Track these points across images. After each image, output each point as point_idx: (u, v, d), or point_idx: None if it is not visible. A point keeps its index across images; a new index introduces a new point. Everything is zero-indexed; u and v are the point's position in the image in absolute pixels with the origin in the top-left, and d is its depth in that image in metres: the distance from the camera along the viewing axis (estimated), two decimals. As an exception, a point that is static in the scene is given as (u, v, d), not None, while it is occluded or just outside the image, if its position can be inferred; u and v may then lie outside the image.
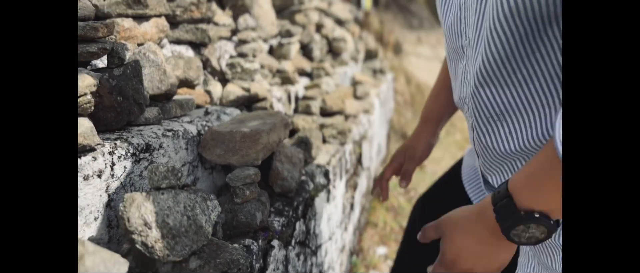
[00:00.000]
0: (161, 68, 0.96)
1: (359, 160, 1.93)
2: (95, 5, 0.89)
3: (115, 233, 0.74)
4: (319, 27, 2.45)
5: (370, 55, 3.29)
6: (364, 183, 2.10)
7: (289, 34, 1.89)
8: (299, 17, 2.10)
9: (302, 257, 1.11)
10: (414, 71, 6.64)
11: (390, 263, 2.15)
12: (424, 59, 10.20)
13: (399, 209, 2.61)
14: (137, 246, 0.61)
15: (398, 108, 4.17)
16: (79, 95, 0.67)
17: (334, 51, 2.40)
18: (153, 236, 0.61)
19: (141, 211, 0.61)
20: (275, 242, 0.93)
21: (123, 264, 0.54)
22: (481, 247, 0.58)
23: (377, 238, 2.28)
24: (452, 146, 3.96)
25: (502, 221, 0.54)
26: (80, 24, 0.76)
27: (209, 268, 0.67)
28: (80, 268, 0.49)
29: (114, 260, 0.53)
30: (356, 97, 2.11)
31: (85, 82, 0.67)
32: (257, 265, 0.85)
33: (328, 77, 1.77)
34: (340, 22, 2.96)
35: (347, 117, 1.76)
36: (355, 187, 1.88)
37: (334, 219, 1.45)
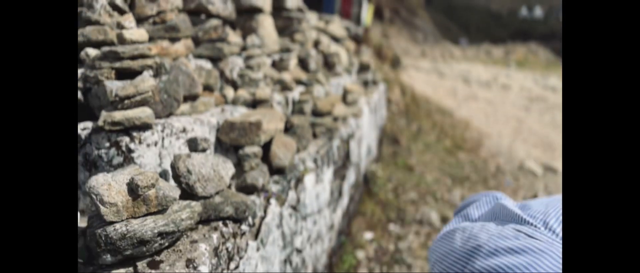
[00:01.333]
0: (191, 77, 1.33)
1: (347, 155, 2.28)
2: (147, 31, 1.27)
3: (163, 185, 1.09)
4: (316, 44, 2.83)
5: (364, 68, 3.66)
6: (352, 176, 2.45)
7: (288, 51, 2.26)
8: (297, 36, 2.48)
9: (293, 218, 1.46)
10: (412, 83, 6.99)
11: (376, 246, 2.48)
12: (423, 72, 10.60)
13: (386, 203, 2.95)
14: (182, 186, 0.97)
15: (392, 117, 4.52)
16: (143, 91, 1.03)
17: (328, 64, 2.77)
18: (193, 179, 0.97)
19: (185, 163, 0.97)
20: (272, 201, 1.29)
21: (177, 190, 0.90)
22: None
23: (365, 225, 2.62)
24: (441, 152, 4.29)
25: None
26: (140, 46, 1.13)
27: (227, 204, 1.03)
28: (156, 186, 0.85)
29: (171, 187, 0.89)
30: (346, 103, 2.47)
31: (149, 83, 1.04)
32: (259, 214, 1.20)
33: (319, 86, 2.14)
34: (336, 39, 3.34)
35: (336, 118, 2.12)
36: (343, 178, 2.23)
37: (322, 198, 1.80)
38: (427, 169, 3.74)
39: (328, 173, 1.89)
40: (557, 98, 9.03)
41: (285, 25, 2.54)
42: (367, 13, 6.32)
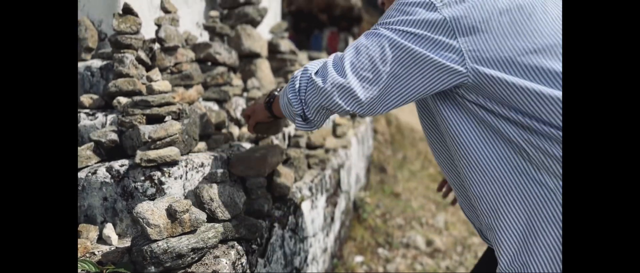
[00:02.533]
0: (205, 118, 1.55)
1: (338, 184, 2.50)
2: (167, 80, 1.50)
3: (186, 211, 1.30)
4: (307, 82, 3.09)
5: (351, 102, 3.92)
6: (343, 203, 2.67)
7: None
8: (291, 76, 2.73)
9: (293, 240, 1.66)
10: (397, 114, 7.30)
11: (366, 268, 2.67)
12: (408, 102, 11.01)
13: (375, 228, 3.16)
14: (206, 211, 1.19)
15: (378, 146, 4.77)
16: (172, 134, 1.26)
17: (319, 100, 3.03)
18: (214, 205, 1.18)
19: (208, 193, 1.19)
20: (276, 225, 1.50)
21: (204, 214, 1.11)
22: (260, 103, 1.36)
23: (356, 249, 2.82)
24: (425, 178, 4.54)
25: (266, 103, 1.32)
26: (165, 95, 1.36)
27: (241, 226, 1.24)
28: (189, 211, 1.06)
29: (200, 212, 1.11)
30: (336, 135, 2.71)
31: (176, 127, 1.26)
32: (265, 235, 1.41)
33: (312, 121, 2.38)
34: (325, 76, 3.61)
35: (327, 150, 2.35)
36: (335, 204, 2.45)
37: (317, 222, 2.01)
38: (412, 196, 3.97)
39: (321, 200, 2.10)
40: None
41: (280, 66, 2.79)
42: (353, 48, 6.62)
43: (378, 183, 4.03)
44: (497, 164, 0.92)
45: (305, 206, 1.80)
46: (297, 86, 1.02)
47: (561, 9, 0.90)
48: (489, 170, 0.93)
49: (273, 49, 2.74)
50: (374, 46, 0.90)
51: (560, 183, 0.87)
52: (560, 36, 0.85)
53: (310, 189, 1.89)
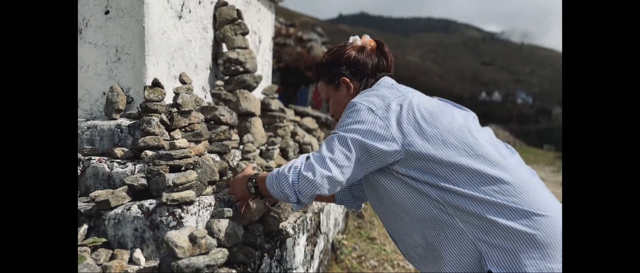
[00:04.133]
0: (212, 168, 1.96)
1: (318, 226, 2.88)
2: (185, 139, 1.92)
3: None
4: (293, 135, 3.53)
5: (332, 153, 4.35)
6: (322, 243, 3.03)
7: (273, 143, 2.94)
8: (279, 131, 3.17)
9: (278, 269, 2.03)
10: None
11: (341, 303, 3.00)
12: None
13: (351, 268, 3.50)
14: (215, 239, 1.57)
15: (358, 194, 5.17)
16: (191, 181, 1.66)
17: (303, 152, 3.46)
18: (221, 235, 1.57)
19: (217, 225, 1.58)
20: (265, 254, 1.88)
21: (215, 240, 1.50)
22: (238, 183, 1.70)
23: (333, 286, 3.15)
24: (400, 225, 4.92)
25: (249, 181, 1.64)
26: (184, 150, 1.77)
27: (240, 252, 1.62)
28: (205, 237, 1.45)
29: (212, 238, 1.49)
30: (317, 184, 3.12)
31: (193, 175, 1.66)
32: (257, 263, 1.79)
33: (297, 171, 2.79)
34: (309, 130, 4.07)
35: (309, 196, 2.75)
36: (315, 244, 2.81)
37: (298, 257, 2.38)
38: (387, 241, 4.33)
39: (303, 239, 2.48)
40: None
41: (270, 121, 3.24)
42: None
43: (355, 228, 4.40)
44: (425, 215, 1.36)
45: (289, 242, 2.18)
46: (291, 180, 1.37)
47: (457, 110, 1.43)
48: (421, 220, 1.37)
49: (265, 107, 3.20)
50: (342, 145, 1.36)
51: (469, 226, 1.31)
52: (455, 126, 1.34)
53: (293, 228, 2.28)
